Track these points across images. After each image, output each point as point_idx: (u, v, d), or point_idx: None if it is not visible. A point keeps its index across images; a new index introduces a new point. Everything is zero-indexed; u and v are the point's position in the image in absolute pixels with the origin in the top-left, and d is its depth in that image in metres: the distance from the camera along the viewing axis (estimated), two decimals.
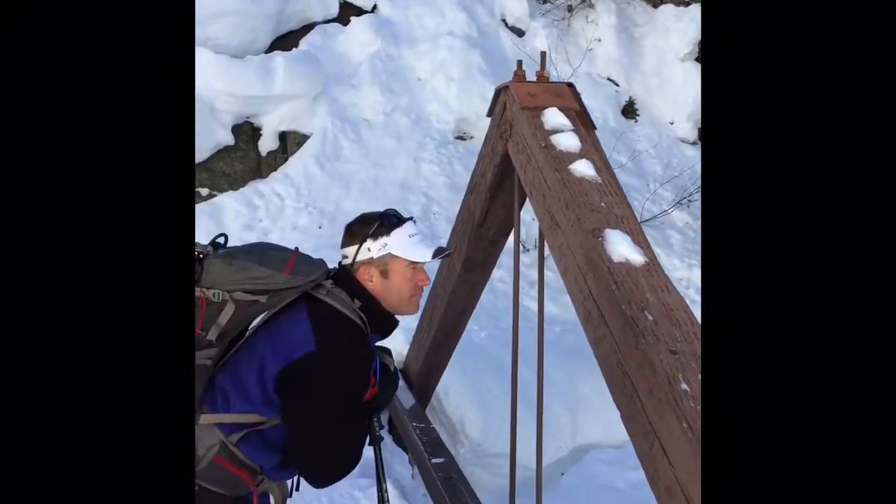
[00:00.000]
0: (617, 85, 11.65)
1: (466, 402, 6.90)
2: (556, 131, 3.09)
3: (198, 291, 1.92)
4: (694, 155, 10.63)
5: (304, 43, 12.45)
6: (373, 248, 1.99)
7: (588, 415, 7.68)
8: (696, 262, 8.88)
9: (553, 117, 3.17)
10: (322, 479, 1.91)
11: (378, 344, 2.12)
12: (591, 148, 3.09)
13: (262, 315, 1.98)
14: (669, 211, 9.52)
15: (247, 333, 2.00)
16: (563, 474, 6.89)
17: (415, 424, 4.82)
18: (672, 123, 11.21)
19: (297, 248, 2.04)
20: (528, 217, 6.28)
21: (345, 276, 2.03)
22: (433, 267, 3.48)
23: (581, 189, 2.73)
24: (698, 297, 8.31)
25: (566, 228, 2.73)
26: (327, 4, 12.52)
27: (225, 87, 11.75)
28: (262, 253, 1.98)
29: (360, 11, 12.90)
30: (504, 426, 6.92)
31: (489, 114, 3.85)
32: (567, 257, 2.69)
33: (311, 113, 13.28)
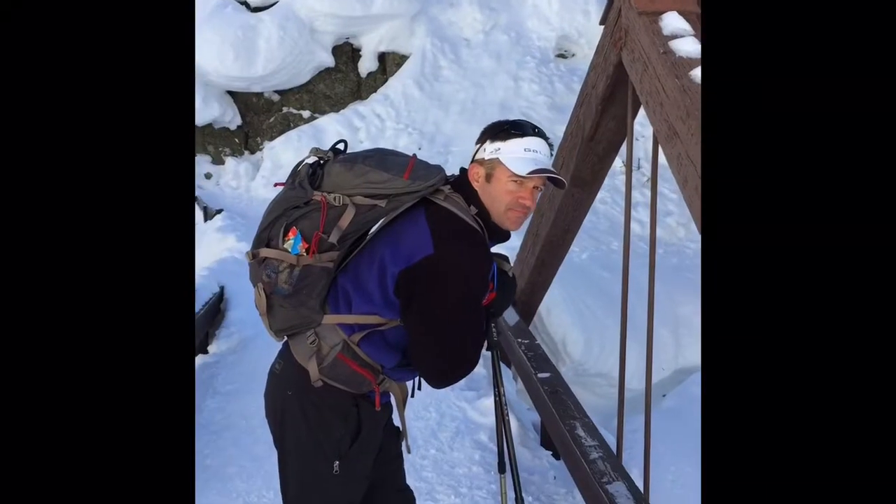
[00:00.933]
0: None
1: (568, 322, 6.92)
2: (675, 36, 2.95)
3: (318, 195, 1.96)
4: None
5: None
6: (488, 149, 1.98)
7: (690, 337, 7.58)
8: None
9: (672, 22, 3.02)
10: (440, 379, 1.95)
11: (496, 250, 2.12)
12: None
13: (383, 219, 1.99)
14: None
15: (367, 237, 2.03)
16: (664, 395, 6.86)
17: (520, 340, 4.86)
18: None
19: (415, 154, 2.04)
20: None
21: (462, 182, 2.02)
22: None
23: None
24: None
25: (686, 137, 2.62)
26: None
27: (325, 7, 11.74)
28: (382, 158, 1.99)
29: None
30: (605, 347, 6.94)
31: (602, 21, 3.71)
32: (686, 167, 2.60)
33: (409, 32, 13.18)
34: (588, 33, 12.19)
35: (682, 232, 9.86)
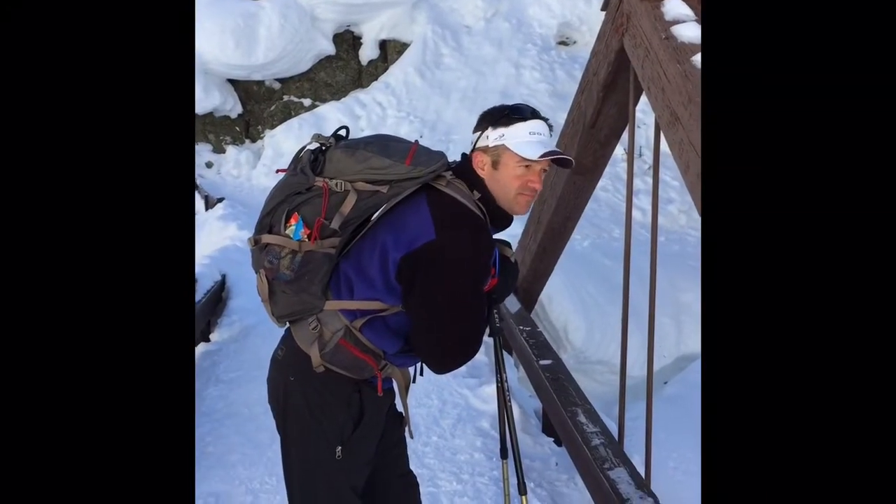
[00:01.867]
0: None
1: (570, 309, 6.94)
2: (677, 22, 2.93)
3: (320, 181, 1.96)
4: None
5: None
6: (491, 136, 1.97)
7: (691, 325, 7.61)
8: None
9: (674, 7, 3.00)
10: (441, 364, 1.95)
11: (498, 236, 2.12)
12: None
13: (385, 205, 1.99)
14: None
15: (370, 223, 2.03)
16: (665, 383, 6.88)
17: (521, 327, 4.86)
18: None
19: (417, 141, 2.04)
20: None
21: (465, 168, 2.01)
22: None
23: None
24: None
25: (687, 123, 2.62)
26: None
27: None
28: (384, 144, 1.98)
29: None
30: (606, 334, 6.96)
31: (603, 8, 3.69)
32: (688, 153, 2.59)
33: (410, 20, 13.14)
34: (589, 20, 12.16)
35: (683, 219, 9.87)
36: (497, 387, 2.32)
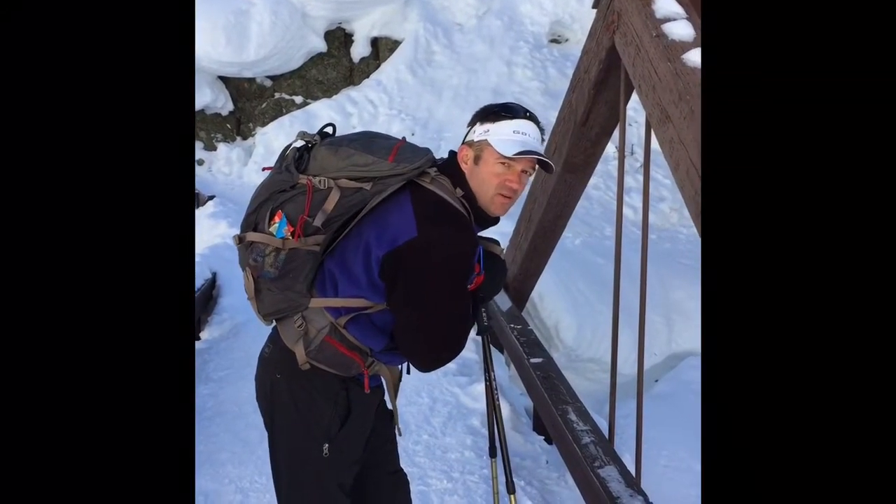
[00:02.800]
0: None
1: (561, 308, 6.93)
2: (668, 20, 2.93)
3: (304, 179, 1.95)
4: None
5: None
6: (477, 131, 1.97)
7: (682, 322, 7.61)
8: None
9: (665, 5, 3.00)
10: (424, 362, 1.94)
11: (486, 234, 2.11)
12: None
13: (369, 203, 1.98)
14: None
15: (354, 220, 2.01)
16: (657, 381, 6.89)
17: (512, 326, 4.86)
18: None
19: (404, 138, 2.03)
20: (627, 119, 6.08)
21: (450, 164, 2.01)
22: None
23: (695, 79, 2.60)
24: None
25: (678, 121, 2.61)
26: None
27: None
28: (368, 141, 1.97)
29: None
30: (597, 332, 6.96)
31: (595, 5, 3.69)
32: (679, 151, 2.59)
33: (402, 17, 13.11)
34: (581, 18, 12.15)
35: (675, 217, 9.88)
36: (486, 386, 2.32)
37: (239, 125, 12.42)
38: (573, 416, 3.51)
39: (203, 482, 3.47)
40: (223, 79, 12.13)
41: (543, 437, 4.22)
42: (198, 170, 11.91)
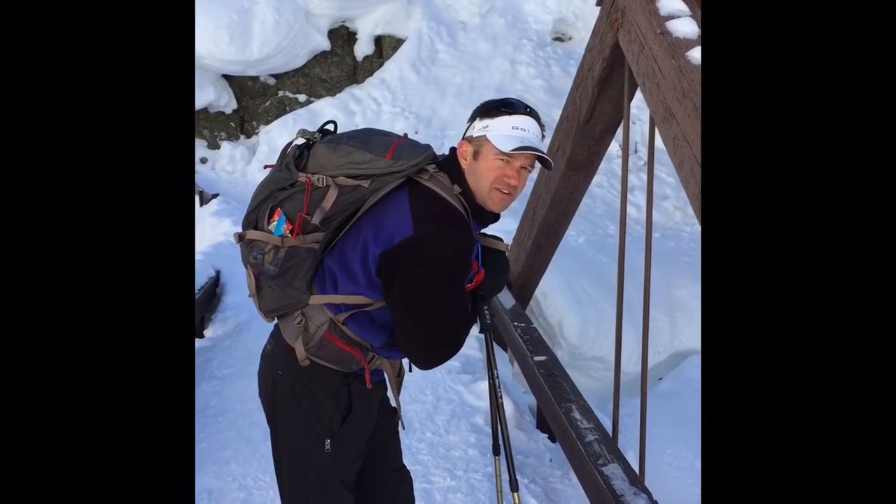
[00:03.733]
0: None
1: (565, 306, 6.93)
2: (672, 17, 2.93)
3: (303, 177, 1.96)
4: None
5: None
6: (477, 126, 1.97)
7: (686, 320, 7.61)
8: None
9: (669, 2, 2.99)
10: (422, 360, 1.94)
11: (490, 232, 2.10)
12: None
13: (368, 200, 1.98)
14: None
15: (354, 218, 2.01)
16: (660, 379, 6.89)
17: (516, 324, 4.85)
18: None
19: (405, 135, 2.02)
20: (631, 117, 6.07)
21: (450, 160, 2.00)
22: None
23: (698, 77, 2.59)
24: None
25: (682, 119, 2.61)
26: None
27: None
28: (366, 138, 1.97)
29: None
30: (601, 330, 6.95)
31: (598, 3, 3.68)
32: (683, 148, 2.58)
33: (406, 15, 13.10)
34: (585, 16, 12.14)
35: (678, 215, 9.86)
36: (489, 383, 2.31)
37: (242, 123, 12.43)
38: (577, 414, 3.51)
39: (206, 480, 3.47)
40: (227, 77, 12.14)
41: (547, 435, 4.22)
42: (201, 168, 11.92)
